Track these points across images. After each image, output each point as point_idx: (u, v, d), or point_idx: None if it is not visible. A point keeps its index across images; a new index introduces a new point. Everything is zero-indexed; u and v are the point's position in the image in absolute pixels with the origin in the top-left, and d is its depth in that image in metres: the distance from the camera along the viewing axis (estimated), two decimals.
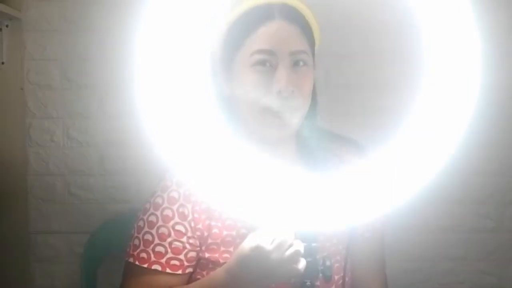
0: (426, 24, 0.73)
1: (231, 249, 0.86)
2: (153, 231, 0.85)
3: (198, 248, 0.87)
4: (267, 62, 0.81)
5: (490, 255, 1.62)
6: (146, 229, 0.86)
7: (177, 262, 0.85)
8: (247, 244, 0.76)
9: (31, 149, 1.59)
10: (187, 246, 0.86)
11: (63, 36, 1.56)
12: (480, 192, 1.60)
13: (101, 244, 1.45)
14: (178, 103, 0.73)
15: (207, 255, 0.87)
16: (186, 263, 0.86)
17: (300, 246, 0.77)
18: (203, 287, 0.83)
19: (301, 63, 0.82)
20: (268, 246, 0.74)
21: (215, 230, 0.86)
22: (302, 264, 0.77)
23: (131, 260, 0.86)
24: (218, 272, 0.81)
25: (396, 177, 0.74)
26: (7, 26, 1.53)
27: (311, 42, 0.86)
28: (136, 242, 0.86)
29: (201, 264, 0.88)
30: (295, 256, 0.76)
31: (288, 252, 0.75)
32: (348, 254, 0.94)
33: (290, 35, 0.82)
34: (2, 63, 1.53)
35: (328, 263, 0.86)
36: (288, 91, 0.80)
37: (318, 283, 0.86)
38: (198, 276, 0.88)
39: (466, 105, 0.72)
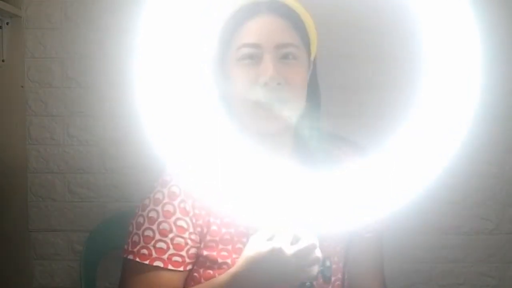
0: (425, 24, 0.73)
1: (229, 247, 0.85)
2: (154, 227, 0.83)
3: (199, 245, 0.86)
4: (253, 56, 0.81)
5: (489, 256, 1.62)
6: (146, 225, 0.84)
7: (179, 259, 0.84)
8: (261, 247, 0.76)
9: (31, 147, 1.59)
10: (189, 242, 0.84)
11: (64, 34, 1.56)
12: (480, 194, 1.60)
13: (101, 242, 1.46)
14: (178, 101, 0.73)
15: (205, 252, 0.86)
16: (187, 260, 0.85)
17: (315, 240, 0.77)
18: None
19: (290, 57, 0.82)
20: (288, 249, 0.75)
21: (213, 227, 0.85)
22: (316, 267, 0.77)
23: (130, 257, 0.84)
24: (222, 278, 0.81)
25: (396, 178, 0.74)
26: (7, 24, 1.53)
27: (304, 38, 0.86)
28: (136, 238, 0.84)
29: (199, 261, 0.87)
30: (311, 251, 0.76)
31: (303, 248, 0.75)
32: (346, 255, 0.93)
33: (277, 28, 0.82)
34: (3, 61, 1.53)
35: (328, 263, 0.86)
36: (274, 83, 0.80)
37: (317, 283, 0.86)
38: (195, 274, 0.87)
39: (466, 106, 0.72)
